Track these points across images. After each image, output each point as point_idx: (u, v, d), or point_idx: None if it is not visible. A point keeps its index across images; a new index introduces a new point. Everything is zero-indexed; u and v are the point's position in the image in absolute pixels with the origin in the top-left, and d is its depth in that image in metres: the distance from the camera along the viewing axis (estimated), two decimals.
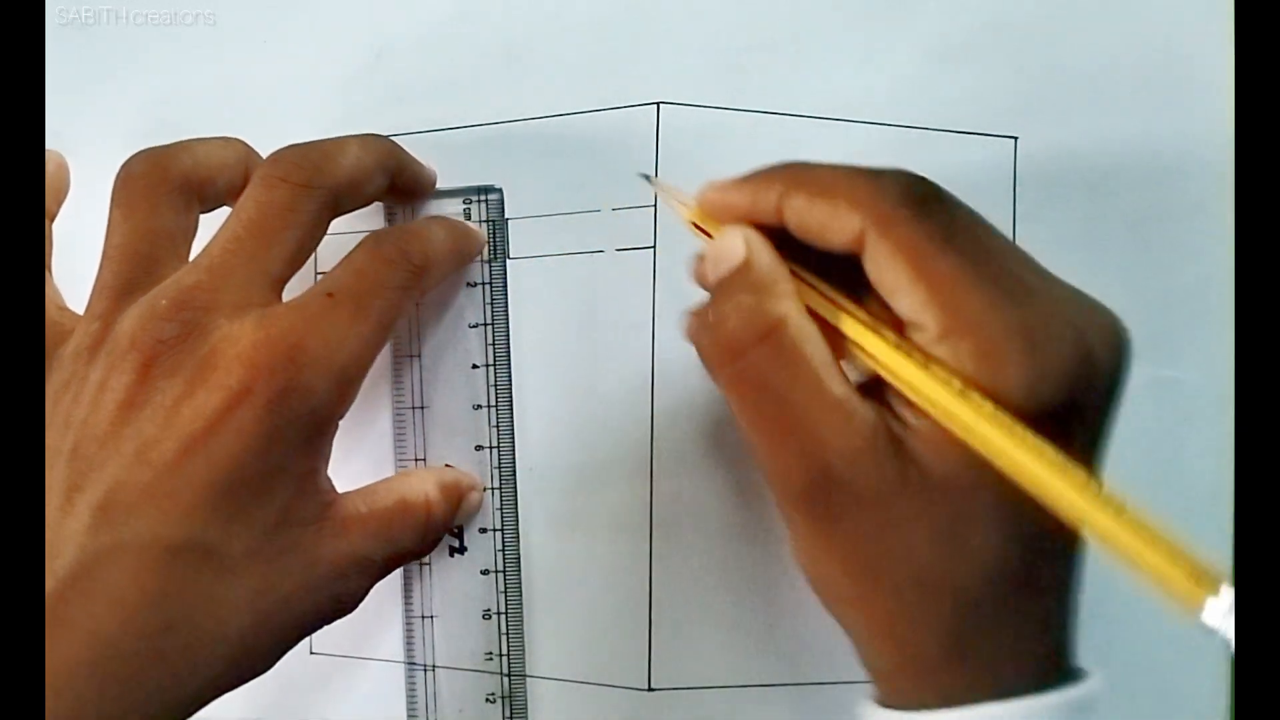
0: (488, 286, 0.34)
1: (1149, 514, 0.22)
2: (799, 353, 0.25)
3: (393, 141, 0.31)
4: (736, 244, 0.27)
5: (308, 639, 0.28)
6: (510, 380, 0.34)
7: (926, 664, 0.25)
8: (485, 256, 0.34)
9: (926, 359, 0.24)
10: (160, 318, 0.26)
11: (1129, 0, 0.34)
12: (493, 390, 0.34)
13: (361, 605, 0.29)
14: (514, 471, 0.34)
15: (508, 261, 0.34)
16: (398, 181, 0.31)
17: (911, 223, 0.24)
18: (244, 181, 0.30)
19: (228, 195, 0.30)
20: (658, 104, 0.34)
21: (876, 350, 0.25)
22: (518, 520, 0.34)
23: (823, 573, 0.27)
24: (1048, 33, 0.34)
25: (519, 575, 0.34)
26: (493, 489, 0.34)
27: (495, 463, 0.34)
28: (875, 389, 0.26)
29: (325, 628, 0.28)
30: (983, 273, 0.24)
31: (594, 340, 0.34)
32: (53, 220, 0.33)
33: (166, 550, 0.25)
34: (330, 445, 0.28)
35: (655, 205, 0.34)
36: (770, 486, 0.27)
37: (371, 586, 0.29)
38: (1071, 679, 0.25)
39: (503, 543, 0.34)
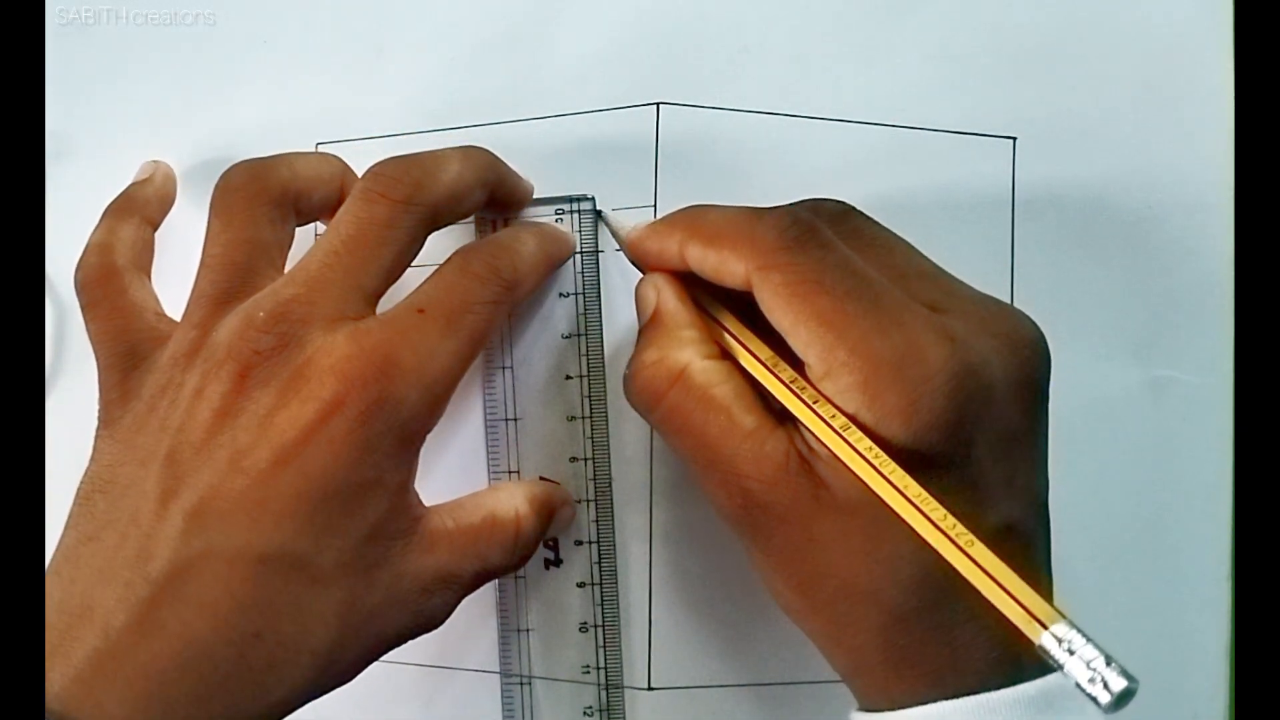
0: (580, 297, 0.33)
1: (992, 555, 0.23)
2: (706, 394, 0.27)
3: (493, 154, 0.31)
4: (648, 294, 0.29)
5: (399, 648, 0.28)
6: (605, 392, 0.33)
7: (871, 670, 0.26)
8: (577, 267, 0.33)
9: (816, 396, 0.26)
10: (257, 329, 0.26)
11: (1129, 2, 0.34)
12: (587, 401, 0.33)
13: (454, 616, 0.28)
14: (610, 484, 0.33)
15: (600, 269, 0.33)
16: (496, 195, 0.31)
17: (787, 266, 0.26)
18: (339, 197, 0.31)
19: (323, 209, 0.31)
20: (658, 104, 0.34)
21: (771, 387, 0.27)
22: (614, 533, 0.34)
23: (770, 586, 0.28)
24: (1048, 34, 0.34)
25: (615, 588, 0.33)
26: (588, 501, 0.33)
27: (590, 475, 0.33)
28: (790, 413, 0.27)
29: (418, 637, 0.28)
30: (856, 307, 0.25)
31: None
32: (156, 228, 0.33)
33: (257, 559, 0.25)
34: (418, 460, 0.28)
35: (655, 206, 0.34)
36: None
37: (458, 602, 0.28)
38: (1039, 674, 0.25)
39: (599, 555, 0.33)
